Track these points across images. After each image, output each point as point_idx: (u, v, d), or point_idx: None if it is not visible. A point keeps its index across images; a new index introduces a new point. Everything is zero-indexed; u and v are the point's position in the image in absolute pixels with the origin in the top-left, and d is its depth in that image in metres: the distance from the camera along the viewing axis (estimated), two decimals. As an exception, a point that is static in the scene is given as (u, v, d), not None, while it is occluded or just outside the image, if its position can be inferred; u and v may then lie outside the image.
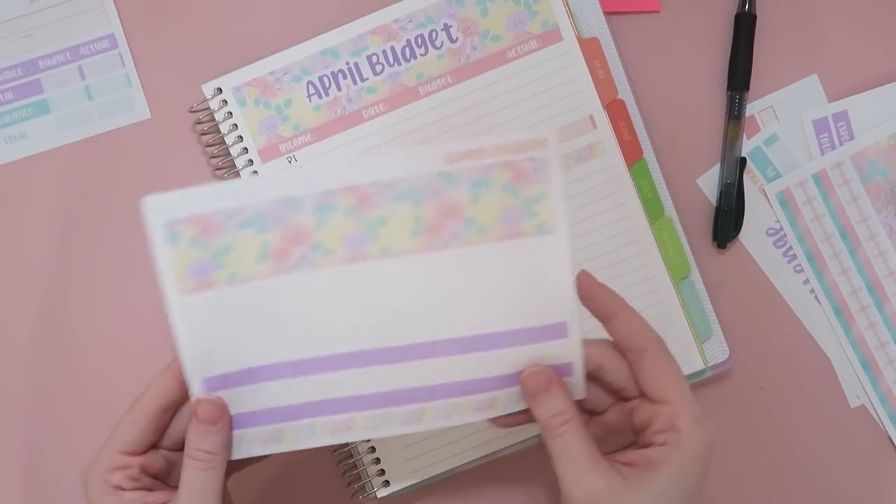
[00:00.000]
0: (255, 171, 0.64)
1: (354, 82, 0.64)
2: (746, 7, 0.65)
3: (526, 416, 0.53)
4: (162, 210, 0.50)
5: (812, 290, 0.65)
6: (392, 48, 0.64)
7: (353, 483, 0.64)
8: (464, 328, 0.51)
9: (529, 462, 0.64)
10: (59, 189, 0.66)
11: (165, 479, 0.54)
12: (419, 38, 0.64)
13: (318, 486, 0.65)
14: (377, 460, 0.64)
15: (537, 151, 0.49)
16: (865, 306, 0.65)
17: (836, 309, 0.65)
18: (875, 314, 0.65)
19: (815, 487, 0.65)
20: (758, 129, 0.66)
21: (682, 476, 0.49)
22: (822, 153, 0.65)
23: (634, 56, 0.65)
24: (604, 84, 0.64)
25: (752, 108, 0.65)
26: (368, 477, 0.64)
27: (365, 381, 0.52)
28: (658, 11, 0.66)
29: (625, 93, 0.64)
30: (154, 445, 0.53)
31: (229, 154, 0.64)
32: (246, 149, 0.64)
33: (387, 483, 0.64)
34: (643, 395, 0.51)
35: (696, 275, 0.64)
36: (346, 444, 0.64)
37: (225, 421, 0.52)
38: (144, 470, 0.52)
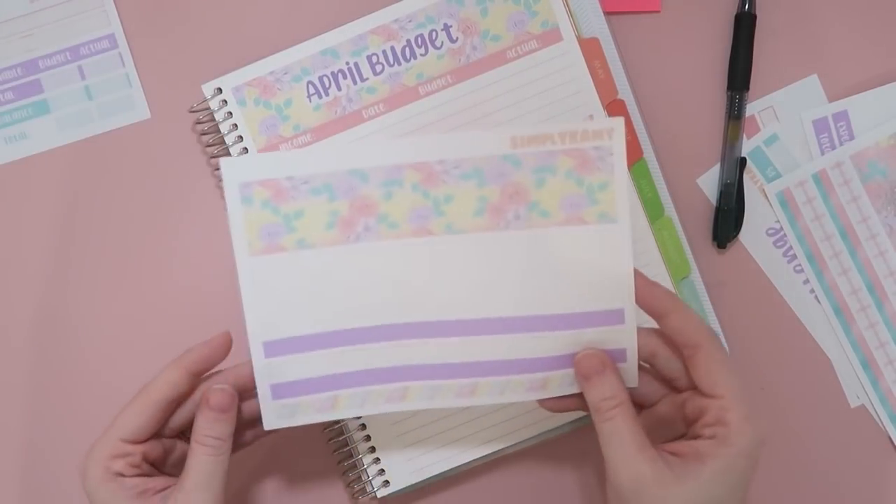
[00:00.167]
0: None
1: (354, 82, 0.64)
2: (746, 7, 0.65)
3: (576, 401, 0.53)
4: (238, 171, 0.52)
5: (812, 290, 0.65)
6: (392, 48, 0.64)
7: (353, 483, 0.64)
8: (521, 308, 0.53)
9: (530, 462, 0.65)
10: (59, 189, 0.66)
11: (162, 465, 0.55)
12: (419, 38, 0.64)
13: (318, 485, 0.65)
14: (377, 460, 0.64)
15: (603, 141, 0.51)
16: (865, 306, 0.65)
17: (836, 309, 0.65)
18: (875, 314, 0.65)
19: (816, 487, 0.65)
20: (758, 129, 0.66)
21: (728, 470, 0.49)
22: (822, 153, 0.65)
23: (634, 56, 0.65)
24: (604, 84, 0.64)
25: (752, 108, 0.65)
26: (368, 477, 0.64)
27: (422, 353, 0.53)
28: (658, 11, 0.66)
29: (625, 93, 0.64)
30: (156, 434, 0.54)
31: (229, 154, 0.64)
32: (246, 149, 0.64)
33: (387, 483, 0.64)
34: (695, 388, 0.51)
35: (696, 275, 0.64)
36: (347, 445, 0.64)
37: (234, 409, 0.53)
38: (145, 457, 0.53)
